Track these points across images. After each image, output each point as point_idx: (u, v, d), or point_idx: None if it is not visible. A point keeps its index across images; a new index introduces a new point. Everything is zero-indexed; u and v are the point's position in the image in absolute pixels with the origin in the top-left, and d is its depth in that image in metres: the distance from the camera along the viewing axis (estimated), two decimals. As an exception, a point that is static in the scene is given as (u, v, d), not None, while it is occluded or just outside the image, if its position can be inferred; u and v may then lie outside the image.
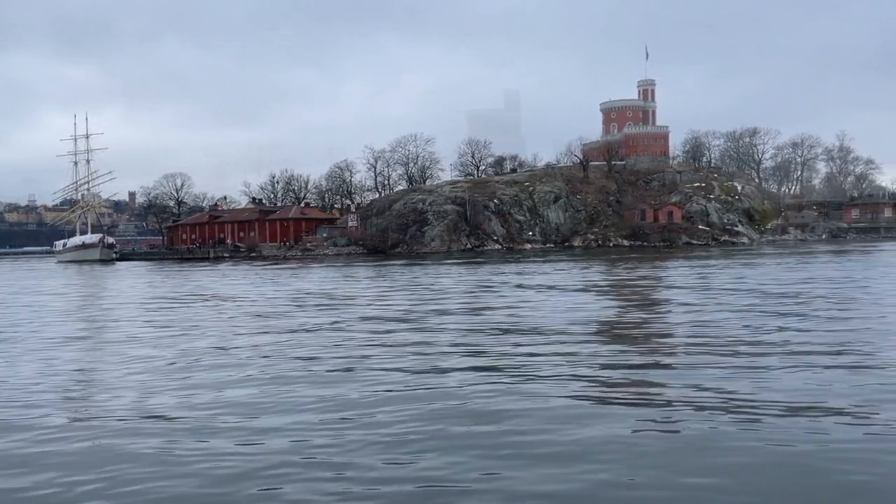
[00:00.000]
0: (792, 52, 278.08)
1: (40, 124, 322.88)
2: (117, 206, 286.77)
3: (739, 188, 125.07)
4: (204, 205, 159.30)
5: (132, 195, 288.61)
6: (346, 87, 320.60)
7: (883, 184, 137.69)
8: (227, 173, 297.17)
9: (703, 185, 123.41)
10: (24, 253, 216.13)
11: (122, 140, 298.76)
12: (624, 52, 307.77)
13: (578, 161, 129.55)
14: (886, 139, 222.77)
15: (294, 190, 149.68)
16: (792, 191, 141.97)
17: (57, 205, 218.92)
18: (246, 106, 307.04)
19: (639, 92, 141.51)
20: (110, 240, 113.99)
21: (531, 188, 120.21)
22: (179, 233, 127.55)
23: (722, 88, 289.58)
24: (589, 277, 40.18)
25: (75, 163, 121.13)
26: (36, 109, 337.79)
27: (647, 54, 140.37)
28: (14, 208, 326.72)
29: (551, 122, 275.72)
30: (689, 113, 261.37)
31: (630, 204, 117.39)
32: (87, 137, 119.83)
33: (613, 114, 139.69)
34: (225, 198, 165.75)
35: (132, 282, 52.68)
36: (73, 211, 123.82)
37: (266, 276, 52.62)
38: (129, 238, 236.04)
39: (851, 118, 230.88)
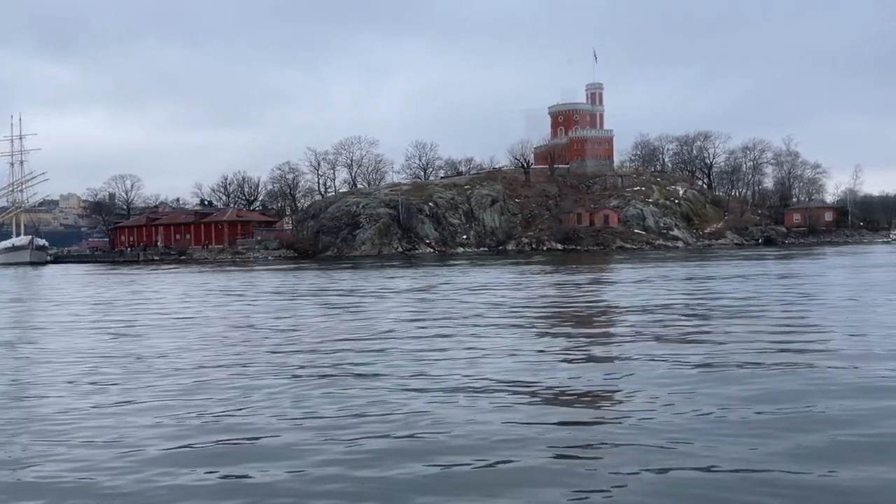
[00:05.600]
0: (778, 56, 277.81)
1: (21, 124, 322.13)
2: (98, 208, 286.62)
3: (681, 192, 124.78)
4: (160, 205, 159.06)
5: (112, 196, 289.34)
6: (336, 89, 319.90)
7: (830, 188, 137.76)
8: (215, 174, 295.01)
9: (644, 189, 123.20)
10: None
11: (110, 140, 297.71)
12: (615, 53, 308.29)
13: (520, 164, 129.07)
14: (862, 144, 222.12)
15: (246, 192, 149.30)
16: (743, 195, 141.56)
17: (36, 205, 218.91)
18: (234, 107, 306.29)
19: (587, 95, 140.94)
20: (41, 241, 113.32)
21: (469, 191, 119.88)
22: (119, 235, 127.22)
23: (711, 90, 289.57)
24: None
25: (12, 164, 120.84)
26: (18, 109, 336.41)
27: (596, 57, 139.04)
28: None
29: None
30: (675, 115, 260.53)
31: (568, 208, 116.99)
32: (21, 138, 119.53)
33: (561, 117, 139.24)
34: (178, 199, 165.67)
35: None
36: (9, 212, 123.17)
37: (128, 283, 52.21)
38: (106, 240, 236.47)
39: (829, 123, 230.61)
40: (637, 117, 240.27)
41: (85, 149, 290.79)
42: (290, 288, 39.42)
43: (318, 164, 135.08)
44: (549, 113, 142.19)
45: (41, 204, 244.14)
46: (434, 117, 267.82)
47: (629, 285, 34.46)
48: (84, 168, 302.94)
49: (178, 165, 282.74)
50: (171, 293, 37.99)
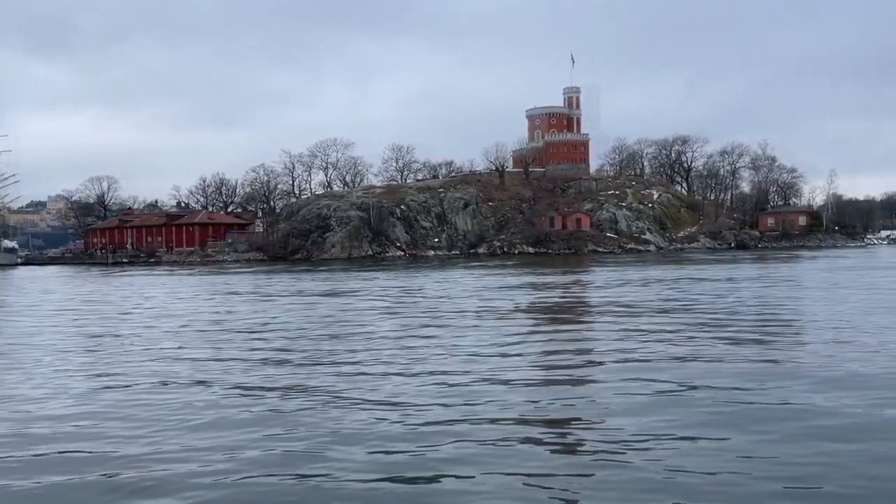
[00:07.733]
0: (774, 59, 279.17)
1: (12, 124, 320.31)
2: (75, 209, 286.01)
3: (655, 196, 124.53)
4: (148, 207, 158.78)
5: (101, 197, 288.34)
6: (334, 90, 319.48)
7: (806, 193, 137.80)
8: (211, 174, 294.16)
9: (618, 192, 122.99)
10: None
11: (105, 141, 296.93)
12: (611, 54, 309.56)
13: (495, 168, 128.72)
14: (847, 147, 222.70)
15: (223, 194, 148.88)
16: (720, 199, 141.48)
17: (23, 207, 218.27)
18: (230, 108, 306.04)
19: (564, 99, 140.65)
20: (10, 244, 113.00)
21: (443, 194, 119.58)
22: (92, 237, 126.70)
23: (710, 90, 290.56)
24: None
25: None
26: (10, 110, 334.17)
27: (573, 61, 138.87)
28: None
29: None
30: (674, 115, 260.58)
31: (540, 211, 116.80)
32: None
33: (538, 120, 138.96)
34: (156, 201, 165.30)
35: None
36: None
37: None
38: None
39: (817, 126, 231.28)
40: (638, 117, 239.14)
41: (80, 149, 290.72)
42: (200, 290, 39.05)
43: (293, 167, 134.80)
44: (525, 116, 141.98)
45: (29, 205, 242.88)
46: (434, 118, 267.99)
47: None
48: (80, 168, 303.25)
49: (178, 165, 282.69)
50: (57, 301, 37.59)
